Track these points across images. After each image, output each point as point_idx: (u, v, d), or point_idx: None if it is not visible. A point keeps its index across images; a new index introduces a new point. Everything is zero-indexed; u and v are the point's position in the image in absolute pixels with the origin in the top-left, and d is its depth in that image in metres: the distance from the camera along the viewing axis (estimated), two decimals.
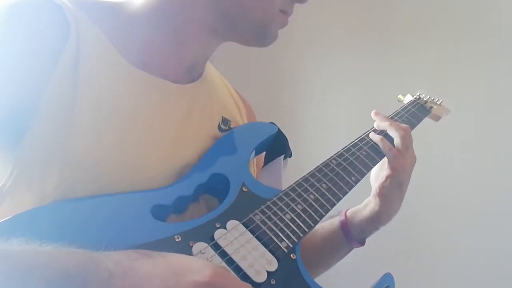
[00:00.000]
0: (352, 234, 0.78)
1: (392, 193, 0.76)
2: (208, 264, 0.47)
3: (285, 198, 0.63)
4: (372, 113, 0.83)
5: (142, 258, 0.45)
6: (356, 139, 0.79)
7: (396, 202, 0.77)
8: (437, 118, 0.96)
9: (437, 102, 0.99)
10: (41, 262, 0.43)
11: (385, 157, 0.76)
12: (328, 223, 0.81)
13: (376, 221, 0.77)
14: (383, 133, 0.79)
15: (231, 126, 0.72)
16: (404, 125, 0.80)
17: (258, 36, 0.66)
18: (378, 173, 0.78)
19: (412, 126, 0.86)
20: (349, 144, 0.77)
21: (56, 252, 0.44)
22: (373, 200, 0.77)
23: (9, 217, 0.48)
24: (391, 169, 0.75)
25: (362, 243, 0.79)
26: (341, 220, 0.79)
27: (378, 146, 0.76)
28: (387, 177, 0.75)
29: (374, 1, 2.03)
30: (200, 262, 0.47)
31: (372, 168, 0.75)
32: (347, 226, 0.78)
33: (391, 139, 0.78)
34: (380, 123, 0.80)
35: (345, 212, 0.80)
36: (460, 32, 1.84)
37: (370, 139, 0.78)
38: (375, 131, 0.80)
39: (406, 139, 0.77)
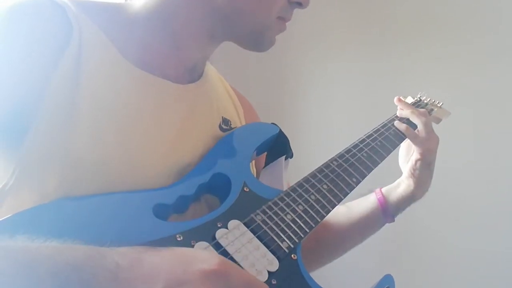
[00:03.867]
0: (389, 211, 0.85)
1: (423, 174, 0.84)
2: (214, 254, 0.47)
3: (286, 198, 0.63)
4: (395, 99, 0.90)
5: (148, 251, 0.45)
6: (357, 141, 0.79)
7: (427, 180, 0.85)
8: (437, 120, 0.96)
9: (438, 105, 0.99)
10: (46, 255, 0.42)
11: (406, 141, 0.85)
12: (364, 200, 0.87)
13: (410, 199, 0.85)
14: (404, 120, 0.86)
15: (232, 126, 0.72)
16: (422, 110, 0.87)
17: (255, 41, 0.67)
18: (405, 156, 0.87)
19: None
20: (350, 145, 0.77)
21: (61, 246, 0.44)
22: (406, 181, 0.85)
23: (12, 215, 0.48)
24: (419, 154, 0.83)
25: (393, 219, 0.87)
26: (379, 198, 0.86)
27: (403, 133, 0.83)
28: (416, 161, 0.83)
29: (374, 1, 2.03)
30: (206, 252, 0.47)
31: (373, 169, 0.76)
32: (385, 204, 0.85)
33: (413, 126, 0.85)
34: (402, 112, 0.88)
35: (381, 191, 0.86)
36: (461, 32, 1.84)
37: (396, 127, 0.84)
38: (388, 123, 0.85)
39: (429, 124, 0.84)
